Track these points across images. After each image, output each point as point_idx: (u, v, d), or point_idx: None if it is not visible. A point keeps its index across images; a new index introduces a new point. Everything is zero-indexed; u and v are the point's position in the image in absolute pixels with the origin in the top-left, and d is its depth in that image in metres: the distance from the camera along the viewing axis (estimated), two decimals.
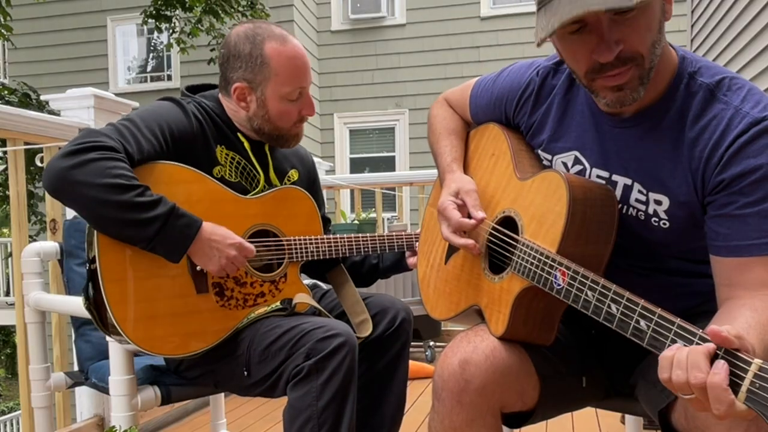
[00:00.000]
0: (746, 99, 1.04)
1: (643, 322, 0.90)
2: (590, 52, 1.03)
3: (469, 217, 1.22)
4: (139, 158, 1.38)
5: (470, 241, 1.21)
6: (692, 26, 5.69)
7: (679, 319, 0.87)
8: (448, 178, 1.33)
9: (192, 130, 1.49)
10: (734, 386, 0.77)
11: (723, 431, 0.93)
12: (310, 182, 1.76)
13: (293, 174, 1.70)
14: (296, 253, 1.57)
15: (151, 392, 1.55)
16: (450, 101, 1.49)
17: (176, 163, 1.45)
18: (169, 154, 1.45)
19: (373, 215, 4.07)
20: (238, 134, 1.58)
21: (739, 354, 0.78)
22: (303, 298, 1.55)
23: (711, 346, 0.80)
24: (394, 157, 9.26)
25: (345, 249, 1.63)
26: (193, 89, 1.63)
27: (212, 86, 1.65)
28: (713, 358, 0.80)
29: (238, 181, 1.55)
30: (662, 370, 0.83)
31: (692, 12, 5.68)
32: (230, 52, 1.54)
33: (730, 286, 1.03)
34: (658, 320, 0.88)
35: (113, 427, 1.48)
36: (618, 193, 1.16)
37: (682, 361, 0.81)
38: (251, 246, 1.45)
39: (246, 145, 1.58)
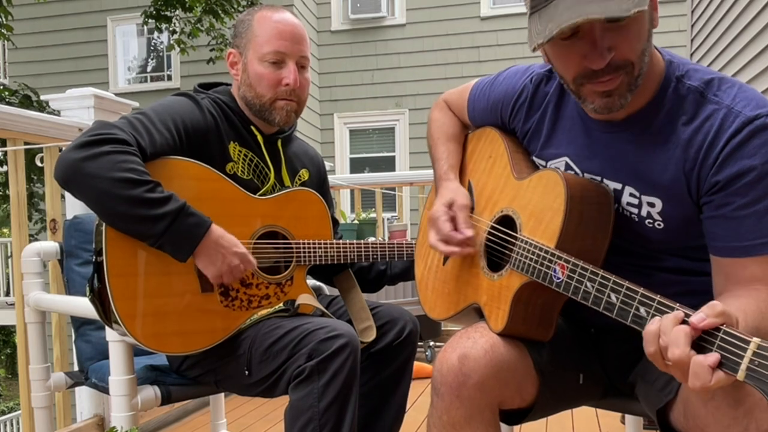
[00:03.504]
0: (737, 98, 1.05)
1: (642, 309, 0.92)
2: (582, 58, 1.04)
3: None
4: (151, 152, 1.38)
5: (456, 249, 1.24)
6: (692, 26, 5.69)
7: (678, 304, 0.88)
8: (444, 186, 1.35)
9: (206, 125, 1.49)
10: (734, 364, 0.79)
11: (720, 429, 0.93)
12: (320, 183, 1.77)
13: (304, 173, 1.70)
14: (304, 256, 1.57)
15: (151, 392, 1.55)
16: (449, 103, 1.50)
17: (189, 159, 1.44)
18: (182, 148, 1.44)
19: (373, 215, 4.06)
20: (252, 127, 1.58)
21: (738, 333, 0.79)
22: (306, 299, 1.54)
23: (688, 328, 0.83)
24: (394, 157, 9.26)
25: (353, 255, 1.63)
26: (207, 87, 1.63)
27: (224, 84, 1.66)
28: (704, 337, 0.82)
29: (250, 178, 1.55)
30: (648, 344, 0.86)
31: (692, 12, 5.68)
32: (234, 26, 1.61)
33: (725, 280, 1.06)
34: (658, 306, 0.90)
35: (114, 427, 1.48)
36: None
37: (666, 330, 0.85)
38: (253, 260, 1.45)
39: (259, 138, 1.58)
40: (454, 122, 1.47)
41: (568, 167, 1.21)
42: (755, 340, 0.77)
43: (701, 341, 0.82)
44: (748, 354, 0.77)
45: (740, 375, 0.78)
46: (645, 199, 1.13)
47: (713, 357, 0.80)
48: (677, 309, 0.87)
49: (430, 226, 1.29)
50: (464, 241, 1.24)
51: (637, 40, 1.03)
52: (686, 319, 0.84)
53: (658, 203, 1.11)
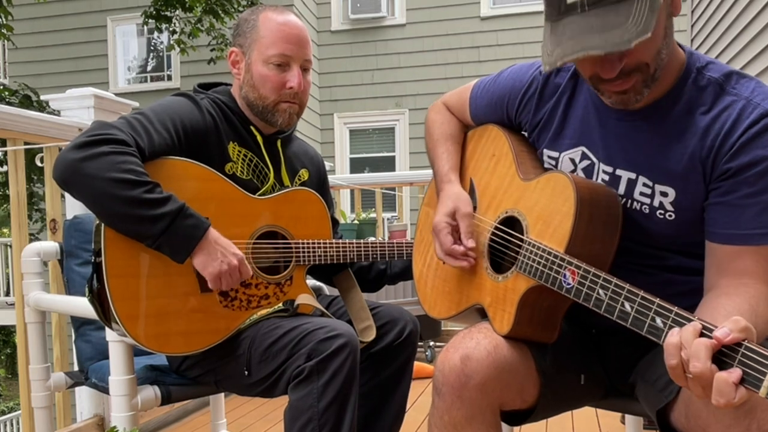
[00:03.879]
0: (755, 91, 1.07)
1: (659, 320, 0.91)
2: (593, 65, 1.06)
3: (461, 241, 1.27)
4: (150, 152, 1.38)
5: (463, 263, 1.25)
6: (692, 26, 5.69)
7: (696, 316, 0.87)
8: (446, 190, 1.34)
9: (205, 126, 1.49)
10: (756, 381, 0.77)
11: (722, 429, 0.93)
12: (320, 183, 1.76)
13: (303, 173, 1.70)
14: (303, 256, 1.56)
15: (151, 392, 1.55)
16: (448, 104, 1.49)
17: (188, 160, 1.44)
18: (181, 148, 1.44)
19: (373, 215, 4.06)
20: (251, 127, 1.58)
21: (760, 350, 0.78)
22: (305, 299, 1.54)
23: (714, 342, 0.81)
24: (394, 157, 9.26)
25: (353, 254, 1.62)
26: (206, 87, 1.62)
27: (224, 84, 1.65)
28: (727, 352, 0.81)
29: (249, 178, 1.55)
30: (669, 356, 0.84)
31: (692, 12, 5.68)
32: (236, 24, 1.60)
33: (718, 272, 1.06)
34: (675, 317, 0.89)
35: (114, 427, 1.48)
36: (622, 187, 1.17)
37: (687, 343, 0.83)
38: (249, 268, 1.43)
39: (259, 138, 1.58)
40: (453, 123, 1.46)
41: (585, 156, 1.21)
42: None
43: (720, 355, 0.81)
44: None
45: (763, 392, 0.76)
46: (658, 188, 1.13)
47: (736, 373, 0.78)
48: (695, 320, 0.85)
49: (435, 237, 1.30)
50: (467, 252, 1.25)
51: (651, 43, 1.03)
52: (704, 331, 0.83)
53: (671, 193, 1.12)
